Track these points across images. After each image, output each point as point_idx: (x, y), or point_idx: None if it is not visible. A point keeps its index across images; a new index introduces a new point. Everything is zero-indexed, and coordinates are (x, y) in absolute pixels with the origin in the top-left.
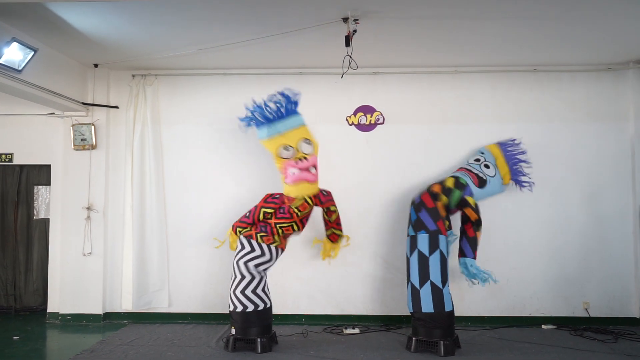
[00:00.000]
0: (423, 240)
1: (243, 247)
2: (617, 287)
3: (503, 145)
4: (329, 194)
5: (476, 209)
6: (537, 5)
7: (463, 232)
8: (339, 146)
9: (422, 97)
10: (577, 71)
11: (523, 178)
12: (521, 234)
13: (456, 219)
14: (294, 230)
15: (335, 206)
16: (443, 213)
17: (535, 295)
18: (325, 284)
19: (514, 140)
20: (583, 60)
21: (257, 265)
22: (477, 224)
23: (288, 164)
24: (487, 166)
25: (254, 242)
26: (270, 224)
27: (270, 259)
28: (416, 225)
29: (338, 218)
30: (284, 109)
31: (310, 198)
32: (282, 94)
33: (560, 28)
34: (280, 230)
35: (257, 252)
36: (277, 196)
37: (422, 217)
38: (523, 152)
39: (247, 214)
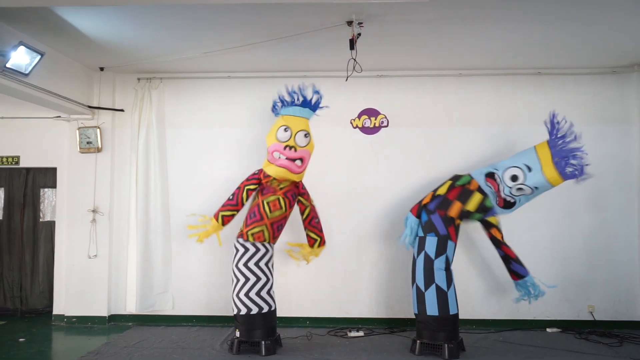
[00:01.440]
0: (431, 243)
1: (237, 251)
2: (622, 290)
3: (553, 143)
4: (306, 190)
5: (499, 227)
6: (541, 8)
7: (506, 256)
8: (343, 149)
9: (427, 100)
10: (582, 74)
11: (570, 170)
12: (526, 237)
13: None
14: (280, 206)
15: (310, 201)
16: (457, 221)
17: (540, 299)
18: (330, 286)
19: (558, 123)
20: (587, 64)
21: (257, 263)
22: (504, 242)
23: (277, 146)
24: (520, 190)
25: (246, 242)
26: (258, 204)
27: (267, 251)
28: (426, 226)
29: (315, 219)
30: (305, 98)
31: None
32: (314, 90)
33: (565, 31)
34: (267, 208)
35: (252, 250)
36: (256, 172)
37: (434, 219)
38: (574, 140)
39: (231, 197)
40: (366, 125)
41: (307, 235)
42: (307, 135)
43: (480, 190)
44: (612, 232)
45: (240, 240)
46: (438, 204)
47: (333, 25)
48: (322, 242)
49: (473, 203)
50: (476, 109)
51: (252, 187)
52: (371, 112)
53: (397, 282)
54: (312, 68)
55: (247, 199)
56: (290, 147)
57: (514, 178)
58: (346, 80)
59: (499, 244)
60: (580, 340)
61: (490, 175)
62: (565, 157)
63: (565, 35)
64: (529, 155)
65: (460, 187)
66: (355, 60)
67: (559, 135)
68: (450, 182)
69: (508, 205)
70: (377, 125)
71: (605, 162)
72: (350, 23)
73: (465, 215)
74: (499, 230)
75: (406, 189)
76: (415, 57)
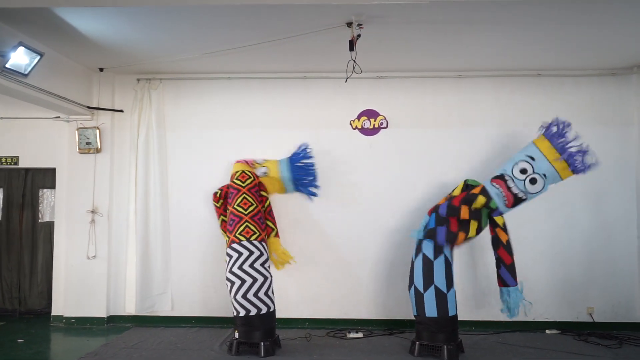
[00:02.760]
0: (428, 245)
1: (231, 257)
2: (622, 292)
3: (553, 138)
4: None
5: (505, 228)
6: (541, 10)
7: (499, 259)
8: (343, 150)
9: (426, 101)
10: (581, 76)
11: (578, 163)
12: (525, 238)
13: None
14: (250, 203)
15: (269, 194)
16: (461, 239)
17: (539, 300)
18: (329, 288)
19: (557, 122)
20: (587, 65)
21: (252, 265)
22: (510, 245)
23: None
24: (533, 181)
25: (239, 245)
26: (231, 211)
27: (261, 253)
28: (429, 233)
29: (272, 211)
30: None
31: (248, 171)
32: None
33: (564, 33)
34: (240, 208)
35: (246, 253)
36: (216, 193)
37: (439, 231)
38: (570, 136)
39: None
40: (366, 127)
41: (267, 225)
42: (266, 174)
43: (484, 191)
44: (612, 234)
45: (233, 245)
46: (447, 209)
47: (333, 26)
48: (277, 233)
49: (479, 201)
50: (475, 110)
51: (217, 204)
52: (371, 114)
53: (397, 283)
54: (312, 69)
55: (220, 207)
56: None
57: (524, 171)
58: (346, 81)
59: (498, 245)
60: (580, 341)
61: (496, 177)
62: (568, 153)
63: (564, 37)
64: (528, 148)
65: (465, 192)
66: (354, 61)
67: (558, 134)
68: (462, 183)
69: (517, 202)
70: (376, 126)
71: (605, 163)
72: (350, 24)
73: (475, 215)
74: (505, 232)
75: (405, 190)
76: (414, 58)
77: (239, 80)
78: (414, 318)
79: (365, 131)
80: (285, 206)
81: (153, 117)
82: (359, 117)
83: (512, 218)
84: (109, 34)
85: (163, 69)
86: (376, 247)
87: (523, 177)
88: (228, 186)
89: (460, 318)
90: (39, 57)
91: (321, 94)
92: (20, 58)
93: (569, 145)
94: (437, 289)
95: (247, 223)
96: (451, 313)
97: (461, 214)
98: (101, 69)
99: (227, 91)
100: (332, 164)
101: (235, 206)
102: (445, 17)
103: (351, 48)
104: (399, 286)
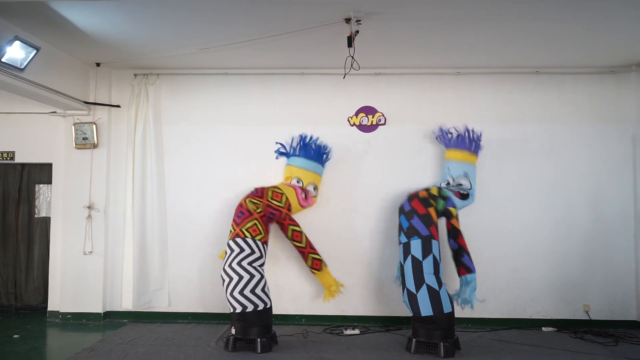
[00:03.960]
0: (416, 246)
1: (232, 250)
2: (618, 290)
3: (449, 143)
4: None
5: (458, 218)
6: (539, 7)
7: (461, 248)
8: (340, 147)
9: (424, 98)
10: (580, 73)
11: (469, 143)
12: (522, 236)
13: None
14: (256, 203)
15: (296, 225)
16: (435, 219)
17: (536, 298)
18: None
19: (441, 130)
20: (585, 63)
21: (250, 263)
22: (462, 234)
23: (295, 187)
24: (459, 185)
25: (243, 241)
26: (241, 204)
27: (261, 256)
28: (409, 232)
29: (306, 239)
30: (313, 150)
31: (254, 199)
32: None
33: (563, 30)
34: (251, 205)
35: (247, 250)
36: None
37: (415, 224)
38: (453, 133)
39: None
40: (363, 123)
41: (312, 258)
42: (315, 187)
43: (435, 186)
44: (609, 232)
45: (237, 240)
46: (407, 199)
47: (331, 22)
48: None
49: (434, 189)
50: (474, 107)
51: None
52: (368, 110)
53: (393, 280)
54: (310, 65)
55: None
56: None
57: (448, 184)
58: (344, 77)
59: (456, 235)
60: (576, 339)
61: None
62: (466, 146)
63: (563, 35)
64: (445, 164)
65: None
66: (353, 57)
67: (449, 137)
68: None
69: (464, 196)
70: (374, 123)
71: (602, 161)
72: (348, 20)
73: (433, 198)
74: (458, 221)
75: (403, 187)
76: (413, 55)
77: (236, 76)
78: (410, 315)
79: (363, 128)
80: None
81: (150, 112)
82: (356, 114)
83: (510, 214)
84: (105, 28)
85: (160, 64)
86: (373, 244)
87: (451, 187)
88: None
89: (456, 315)
90: (35, 51)
91: (319, 90)
92: (16, 52)
93: (456, 136)
94: (429, 287)
95: (255, 221)
96: (446, 310)
97: (420, 194)
98: (98, 64)
99: (225, 87)
100: (329, 161)
101: (246, 201)
102: (444, 14)
103: (349, 44)
104: (395, 283)
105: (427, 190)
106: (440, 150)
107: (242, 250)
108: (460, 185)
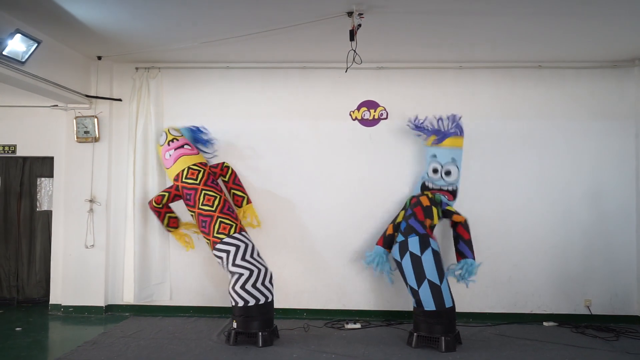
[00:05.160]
0: (413, 242)
1: (221, 258)
2: (619, 285)
3: (424, 131)
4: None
5: (459, 213)
6: (542, 1)
7: (458, 236)
8: (342, 141)
9: (426, 92)
10: (582, 68)
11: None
12: (524, 231)
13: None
14: (213, 196)
15: (230, 171)
16: (435, 222)
17: (537, 293)
18: (327, 278)
19: (411, 122)
20: (588, 57)
21: (243, 257)
22: (467, 224)
23: (164, 149)
24: (448, 172)
25: (220, 245)
26: (198, 213)
27: (247, 244)
28: (406, 231)
29: (237, 177)
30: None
31: (195, 165)
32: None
33: (565, 24)
34: (206, 207)
35: (233, 250)
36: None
37: (412, 223)
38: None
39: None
40: (365, 118)
41: (234, 195)
42: (175, 129)
43: (424, 195)
44: (610, 227)
45: (217, 246)
46: (412, 206)
47: (333, 15)
48: (248, 200)
49: (424, 200)
50: (476, 101)
51: (159, 205)
52: (371, 104)
53: (395, 274)
54: (312, 59)
55: (162, 209)
56: (172, 140)
57: (435, 170)
58: (346, 71)
59: (456, 225)
60: (577, 334)
61: (423, 187)
62: (446, 134)
63: (565, 29)
64: (431, 151)
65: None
66: (355, 51)
67: (422, 127)
68: (402, 211)
69: (454, 194)
70: (376, 117)
71: (604, 156)
72: (350, 14)
73: (433, 203)
74: (459, 214)
75: (404, 182)
76: (415, 49)
77: (238, 70)
78: (412, 310)
79: (365, 122)
80: (286, 197)
81: (151, 105)
82: (358, 108)
83: (511, 209)
84: (107, 21)
85: (162, 58)
86: (375, 238)
87: (438, 176)
88: (176, 187)
89: (457, 310)
90: (36, 44)
91: (321, 84)
92: (17, 45)
93: (431, 125)
94: (430, 283)
95: (219, 219)
96: (447, 305)
97: (422, 202)
98: (99, 57)
99: (226, 81)
100: (331, 155)
101: (200, 206)
102: (446, 8)
103: (351, 38)
104: (397, 277)
105: (426, 196)
106: None
107: (228, 253)
108: (449, 173)
